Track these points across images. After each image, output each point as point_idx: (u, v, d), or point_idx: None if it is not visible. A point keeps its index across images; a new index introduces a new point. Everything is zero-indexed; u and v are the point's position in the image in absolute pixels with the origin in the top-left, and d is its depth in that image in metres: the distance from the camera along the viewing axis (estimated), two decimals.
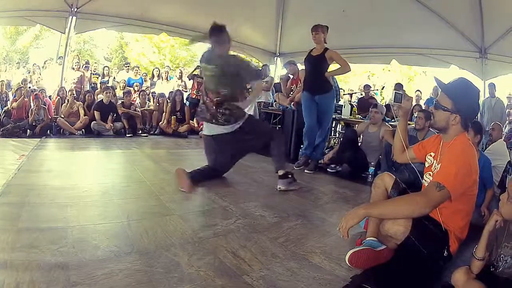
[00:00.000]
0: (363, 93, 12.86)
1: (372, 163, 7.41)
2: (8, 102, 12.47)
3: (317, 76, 7.35)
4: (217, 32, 5.59)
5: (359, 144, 8.17)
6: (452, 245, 3.11)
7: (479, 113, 11.17)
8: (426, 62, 12.23)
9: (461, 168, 2.95)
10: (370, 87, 13.23)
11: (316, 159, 7.70)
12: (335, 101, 7.85)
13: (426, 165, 3.51)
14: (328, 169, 7.81)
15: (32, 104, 11.06)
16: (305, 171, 7.42)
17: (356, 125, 8.95)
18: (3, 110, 11.49)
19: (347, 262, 3.14)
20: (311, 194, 5.76)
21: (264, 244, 3.57)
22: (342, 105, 9.87)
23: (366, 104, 11.36)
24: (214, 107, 5.62)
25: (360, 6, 11.22)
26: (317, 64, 7.31)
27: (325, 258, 3.35)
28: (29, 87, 12.84)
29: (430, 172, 3.33)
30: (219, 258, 3.19)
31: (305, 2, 11.66)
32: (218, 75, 5.53)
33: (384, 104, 9.62)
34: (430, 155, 3.47)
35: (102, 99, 11.78)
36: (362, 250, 3.18)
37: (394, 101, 3.79)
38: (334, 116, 9.33)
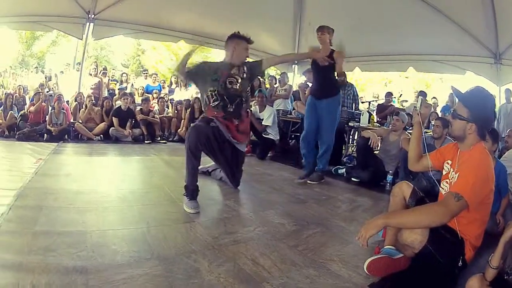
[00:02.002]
0: (381, 100, 12.81)
1: (391, 172, 7.30)
2: (25, 106, 12.48)
3: (323, 80, 7.15)
4: None
5: (376, 151, 8.04)
6: (467, 253, 3.10)
7: (495, 120, 11.14)
8: (442, 68, 12.17)
9: (479, 178, 2.96)
10: (392, 94, 13.15)
11: (320, 169, 7.27)
12: (340, 106, 7.46)
13: (444, 172, 3.50)
14: (352, 178, 7.69)
15: (50, 108, 11.25)
16: (308, 181, 7.07)
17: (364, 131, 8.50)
18: (19, 114, 11.58)
19: (365, 270, 3.14)
20: (329, 202, 5.71)
21: (283, 251, 3.54)
22: (361, 113, 9.82)
23: (385, 112, 11.32)
24: None
25: (376, 13, 11.18)
26: (323, 68, 6.92)
27: (343, 266, 3.32)
28: (47, 92, 13.06)
29: (448, 180, 3.31)
30: (239, 265, 3.18)
31: (322, 9, 11.64)
32: None
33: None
34: (448, 163, 3.46)
35: (120, 105, 11.85)
36: (380, 258, 3.19)
37: (419, 108, 3.75)
38: (352, 124, 9.37)
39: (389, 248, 3.34)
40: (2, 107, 11.68)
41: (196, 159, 5.14)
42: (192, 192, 4.91)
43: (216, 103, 5.38)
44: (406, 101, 14.91)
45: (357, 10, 11.32)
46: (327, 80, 7.02)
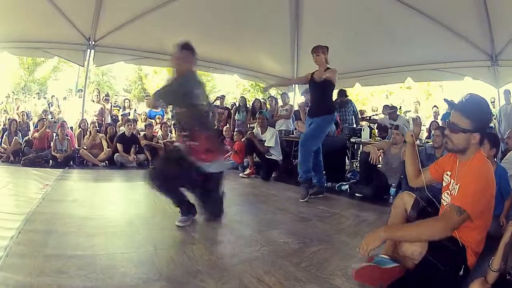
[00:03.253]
0: (381, 115, 12.83)
1: (394, 184, 7.34)
2: (29, 132, 12.65)
3: (319, 100, 7.23)
4: None
5: (378, 166, 7.99)
6: (469, 259, 3.09)
7: (496, 122, 11.23)
8: (441, 76, 12.20)
9: (479, 188, 2.95)
10: (389, 106, 13.18)
11: (320, 184, 7.32)
12: (330, 125, 7.43)
13: (444, 184, 3.45)
14: (356, 194, 7.71)
15: (54, 134, 11.35)
16: (310, 195, 7.04)
17: (366, 146, 8.50)
18: (24, 140, 11.73)
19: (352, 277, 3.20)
20: (333, 219, 5.77)
21: (287, 269, 3.58)
22: (361, 129, 9.87)
23: (385, 125, 11.38)
24: None
25: (370, 27, 11.32)
26: (319, 87, 7.08)
27: (346, 280, 3.37)
28: (51, 118, 13.09)
29: (448, 191, 3.30)
30: (244, 283, 3.23)
31: (318, 27, 11.72)
32: None
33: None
34: (447, 174, 3.41)
35: (124, 132, 11.95)
36: (367, 267, 3.22)
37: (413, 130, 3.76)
38: (354, 140, 9.42)
39: (382, 257, 3.35)
40: (6, 132, 11.82)
41: (173, 192, 5.07)
42: (182, 208, 5.06)
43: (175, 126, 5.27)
44: (409, 111, 14.87)
45: (352, 26, 11.48)
46: (324, 99, 7.17)
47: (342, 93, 11.77)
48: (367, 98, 28.86)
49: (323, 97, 7.15)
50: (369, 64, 12.79)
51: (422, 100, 22.06)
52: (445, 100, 3.41)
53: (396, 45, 11.49)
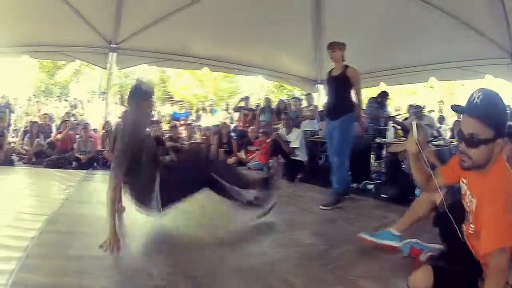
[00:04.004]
0: (405, 114, 12.68)
1: (418, 185, 7.20)
2: (52, 134, 12.71)
3: (338, 98, 6.88)
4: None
5: (403, 166, 7.88)
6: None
7: None
8: (463, 75, 11.92)
9: (506, 209, 2.45)
10: (414, 106, 13.01)
11: (337, 193, 6.62)
12: (353, 125, 6.89)
13: (462, 191, 2.90)
14: (381, 194, 7.61)
15: (77, 136, 11.50)
16: (320, 207, 6.40)
17: (391, 146, 8.53)
18: (46, 142, 11.77)
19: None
20: (359, 220, 5.71)
21: (314, 270, 3.53)
22: (386, 129, 9.76)
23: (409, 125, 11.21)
24: None
25: (394, 26, 11.09)
26: (338, 85, 6.83)
27: (372, 281, 3.30)
28: (74, 120, 13.35)
29: (466, 202, 2.82)
30: (271, 285, 3.18)
31: (340, 27, 11.57)
32: None
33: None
34: (463, 181, 2.86)
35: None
36: (365, 240, 3.54)
37: (417, 135, 3.01)
38: (379, 141, 9.32)
39: (389, 232, 3.68)
40: (28, 135, 11.90)
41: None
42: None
43: None
44: (433, 110, 14.68)
45: (374, 25, 11.28)
46: (341, 97, 6.84)
47: (384, 94, 11.77)
48: (390, 98, 28.67)
49: (343, 94, 6.81)
50: (391, 63, 12.58)
51: (446, 99, 21.73)
52: (453, 107, 2.87)
53: (419, 44, 11.25)
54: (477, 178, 2.62)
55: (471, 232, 2.70)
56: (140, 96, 4.77)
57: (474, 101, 2.47)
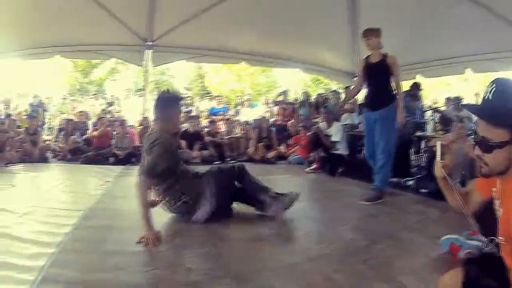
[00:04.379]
0: (442, 107, 12.48)
1: (458, 180, 7.04)
2: (87, 131, 12.76)
3: (378, 88, 6.55)
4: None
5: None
6: None
7: None
8: (498, 66, 11.42)
9: None
10: (451, 99, 12.77)
11: (378, 188, 6.43)
12: (395, 116, 6.42)
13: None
14: (421, 189, 7.31)
15: (115, 132, 11.61)
16: (361, 202, 6.20)
17: (431, 140, 8.31)
18: (82, 139, 11.89)
19: None
20: (400, 215, 5.59)
21: (356, 266, 3.46)
22: (425, 122, 9.64)
23: (448, 118, 11.04)
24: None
25: (429, 17, 10.80)
26: (377, 74, 6.47)
27: (414, 279, 3.21)
28: (111, 117, 13.46)
29: (496, 211, 2.72)
30: (313, 281, 3.14)
31: (376, 19, 11.42)
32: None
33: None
34: (493, 190, 2.43)
35: (187, 128, 11.91)
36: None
37: (441, 158, 2.52)
38: (419, 134, 9.12)
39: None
40: (63, 132, 12.01)
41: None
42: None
43: None
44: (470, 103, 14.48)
45: (410, 18, 10.95)
46: (381, 87, 6.52)
47: (416, 86, 11.64)
48: (423, 89, 28.26)
49: (383, 83, 6.47)
50: (426, 55, 12.32)
51: (481, 92, 21.38)
52: (463, 106, 2.37)
53: (455, 36, 11.07)
54: (502, 185, 2.27)
55: (502, 243, 2.47)
56: (168, 104, 4.86)
57: (486, 97, 2.11)
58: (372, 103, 6.61)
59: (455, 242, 3.68)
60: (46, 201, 5.86)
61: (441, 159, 2.50)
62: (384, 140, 6.39)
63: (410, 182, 7.81)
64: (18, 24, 10.69)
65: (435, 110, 10.90)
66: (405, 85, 11.74)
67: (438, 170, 2.52)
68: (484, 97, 2.11)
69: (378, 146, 6.47)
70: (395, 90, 6.44)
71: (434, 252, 3.78)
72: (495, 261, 2.36)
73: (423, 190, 7.20)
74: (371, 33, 6.43)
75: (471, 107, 2.38)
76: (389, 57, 6.37)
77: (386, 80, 6.44)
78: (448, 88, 27.61)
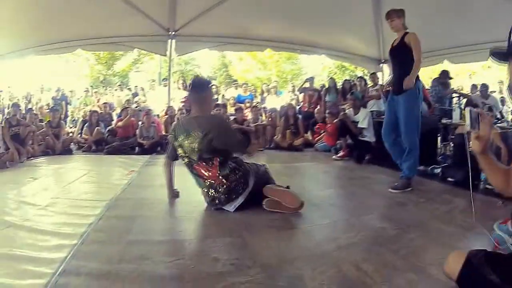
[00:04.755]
0: (470, 94, 12.33)
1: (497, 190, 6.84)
2: (112, 122, 12.98)
3: (399, 70, 6.30)
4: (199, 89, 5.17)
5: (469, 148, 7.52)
6: None
7: None
8: None
9: None
10: (477, 87, 12.59)
11: (406, 176, 6.27)
12: (418, 97, 6.31)
13: None
14: (448, 178, 7.16)
15: (140, 122, 11.72)
16: (389, 190, 6.11)
17: (458, 128, 8.05)
18: (107, 129, 11.97)
19: None
20: (427, 204, 5.47)
21: (385, 256, 3.38)
22: (452, 109, 9.44)
23: (473, 106, 10.86)
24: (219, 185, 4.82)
25: (448, 4, 10.62)
26: (398, 55, 6.32)
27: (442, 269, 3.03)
28: (136, 107, 13.67)
29: None
30: (342, 271, 3.05)
31: (399, 3, 11.29)
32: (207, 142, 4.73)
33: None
34: None
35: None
36: None
37: (470, 127, 2.31)
38: (445, 122, 8.94)
39: None
40: (87, 124, 12.11)
41: None
42: None
43: None
44: (494, 91, 14.15)
45: (433, 4, 10.81)
46: (403, 68, 6.20)
47: (445, 74, 11.46)
48: (452, 78, 27.94)
49: (404, 64, 6.17)
50: (450, 41, 12.00)
51: (505, 80, 21.07)
52: (493, 55, 2.08)
53: (480, 21, 10.88)
54: None
55: None
56: (201, 88, 5.09)
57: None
58: (394, 86, 6.47)
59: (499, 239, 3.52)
60: (69, 192, 5.90)
61: (472, 127, 2.30)
62: (406, 124, 6.27)
63: (437, 170, 7.68)
64: (39, 20, 10.83)
65: (461, 95, 10.75)
66: (435, 72, 11.61)
67: (474, 143, 2.33)
68: (509, 42, 2.06)
69: (402, 133, 6.36)
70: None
71: (462, 243, 3.72)
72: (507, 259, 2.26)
73: (450, 179, 7.04)
74: (393, 14, 6.24)
75: (498, 54, 2.16)
76: (408, 35, 6.14)
77: (407, 61, 6.15)
78: (473, 76, 27.33)
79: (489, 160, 2.39)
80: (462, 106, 9.53)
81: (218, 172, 4.75)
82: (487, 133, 2.28)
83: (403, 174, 6.33)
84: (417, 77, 6.24)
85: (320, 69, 32.24)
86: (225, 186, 4.71)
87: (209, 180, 4.79)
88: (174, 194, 5.27)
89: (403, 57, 6.18)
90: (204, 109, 5.02)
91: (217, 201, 4.77)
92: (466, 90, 14.49)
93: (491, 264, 2.20)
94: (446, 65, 12.56)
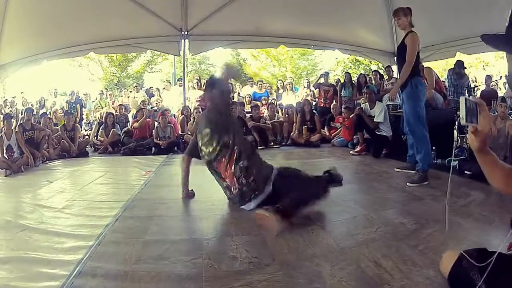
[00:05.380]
0: (482, 85, 12.23)
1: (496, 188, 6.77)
2: (128, 123, 13.07)
3: (400, 68, 6.62)
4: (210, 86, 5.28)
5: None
6: None
7: None
8: None
9: None
10: (491, 78, 12.47)
11: (421, 169, 6.36)
12: (418, 93, 6.46)
13: None
14: (465, 171, 7.05)
15: (156, 123, 11.75)
16: (407, 184, 6.18)
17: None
18: (123, 131, 12.05)
19: None
20: (445, 198, 5.39)
21: (404, 252, 3.35)
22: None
23: (488, 97, 10.74)
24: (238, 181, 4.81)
25: None
26: (399, 53, 6.62)
27: None
28: (151, 107, 13.71)
29: None
30: (361, 267, 3.04)
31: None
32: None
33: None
34: None
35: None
36: None
37: (466, 120, 1.99)
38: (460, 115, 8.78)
39: None
40: (102, 126, 12.16)
41: None
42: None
43: None
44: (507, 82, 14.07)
45: None
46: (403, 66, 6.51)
47: (460, 64, 11.31)
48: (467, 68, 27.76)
49: (403, 62, 6.44)
50: (464, 32, 11.52)
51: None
52: (484, 38, 1.87)
53: (493, 11, 10.76)
54: None
55: None
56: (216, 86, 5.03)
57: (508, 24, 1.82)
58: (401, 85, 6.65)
59: None
60: (86, 194, 5.94)
61: (469, 120, 1.99)
62: (409, 121, 6.54)
63: (454, 163, 7.55)
64: (51, 25, 10.93)
65: (475, 87, 10.66)
66: (449, 64, 11.50)
67: (471, 138, 2.09)
68: (507, 26, 1.82)
69: (406, 127, 6.74)
70: (421, 68, 6.72)
71: (480, 238, 3.66)
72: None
73: (467, 172, 6.96)
74: (400, 12, 6.44)
75: (492, 39, 1.91)
76: (408, 35, 6.38)
77: (404, 59, 6.42)
78: (487, 67, 27.12)
79: (489, 158, 2.19)
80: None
81: (232, 171, 4.74)
82: (486, 127, 2.03)
83: (418, 167, 6.43)
84: (418, 72, 6.51)
85: (334, 64, 32.33)
86: (237, 190, 4.73)
87: (225, 182, 4.83)
88: (188, 194, 5.28)
89: (403, 56, 6.41)
90: (218, 106, 5.00)
91: (233, 201, 4.83)
92: (480, 81, 14.41)
93: (480, 267, 2.16)
94: (459, 56, 12.44)
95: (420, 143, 6.46)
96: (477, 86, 12.47)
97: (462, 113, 1.99)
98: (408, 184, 6.18)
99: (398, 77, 7.11)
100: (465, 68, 11.56)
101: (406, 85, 6.44)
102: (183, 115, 12.48)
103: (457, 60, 11.43)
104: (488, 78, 12.61)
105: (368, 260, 3.14)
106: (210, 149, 4.83)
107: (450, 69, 11.39)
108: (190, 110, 12.52)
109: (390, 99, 7.01)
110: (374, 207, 4.96)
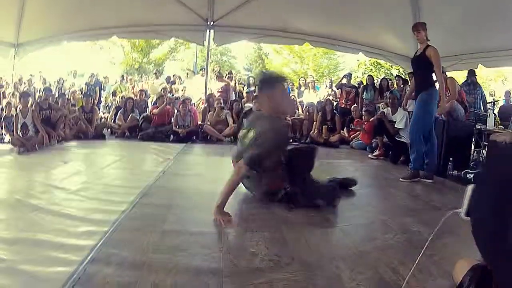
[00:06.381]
0: (501, 100, 12.15)
1: None
2: (147, 109, 13.13)
3: (418, 78, 7.01)
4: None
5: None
6: None
7: None
8: None
9: None
10: (510, 93, 12.39)
11: (413, 167, 7.01)
12: (433, 101, 6.85)
13: None
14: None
15: (176, 110, 11.83)
16: (400, 179, 6.89)
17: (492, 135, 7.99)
18: (141, 116, 12.10)
19: None
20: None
21: (421, 261, 3.12)
22: (487, 115, 9.21)
23: (507, 112, 10.65)
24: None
25: (484, 7, 10.30)
26: (418, 65, 6.92)
27: None
28: (172, 95, 13.84)
29: None
30: (379, 273, 3.01)
31: (438, 4, 11.14)
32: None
33: None
34: None
35: (251, 108, 11.68)
36: None
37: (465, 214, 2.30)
38: (479, 127, 8.79)
39: None
40: (121, 110, 12.23)
41: None
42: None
43: None
44: None
45: (468, 6, 10.55)
46: (421, 76, 6.92)
47: (472, 73, 11.31)
48: (485, 83, 27.48)
49: (423, 73, 6.86)
50: (484, 45, 11.59)
51: None
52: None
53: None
54: None
55: None
56: (270, 85, 4.70)
57: None
58: (415, 93, 7.06)
59: None
60: (101, 177, 5.90)
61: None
62: (413, 126, 7.07)
63: (470, 176, 7.53)
64: (75, 6, 11.04)
65: (494, 102, 10.60)
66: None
67: None
68: None
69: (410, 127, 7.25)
70: (435, 80, 6.79)
71: None
72: None
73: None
74: (419, 26, 6.79)
75: None
76: (429, 48, 6.63)
77: (425, 70, 6.78)
78: (506, 82, 26.93)
79: None
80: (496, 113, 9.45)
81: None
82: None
83: (410, 165, 7.15)
84: (433, 83, 6.83)
85: (356, 65, 32.26)
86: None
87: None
88: (224, 215, 4.02)
89: (422, 67, 6.83)
90: (268, 108, 4.68)
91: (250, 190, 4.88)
92: (499, 95, 14.40)
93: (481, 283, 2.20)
94: (480, 69, 12.38)
95: (414, 146, 7.02)
96: (496, 101, 12.38)
97: (464, 204, 2.09)
98: (400, 179, 6.86)
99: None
100: (476, 76, 11.58)
101: (421, 92, 6.80)
102: (207, 103, 12.59)
103: (469, 70, 11.46)
104: (508, 93, 12.48)
105: (386, 266, 3.12)
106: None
107: (463, 82, 11.40)
108: (214, 100, 12.55)
109: (439, 114, 7.17)
110: (391, 213, 4.95)
